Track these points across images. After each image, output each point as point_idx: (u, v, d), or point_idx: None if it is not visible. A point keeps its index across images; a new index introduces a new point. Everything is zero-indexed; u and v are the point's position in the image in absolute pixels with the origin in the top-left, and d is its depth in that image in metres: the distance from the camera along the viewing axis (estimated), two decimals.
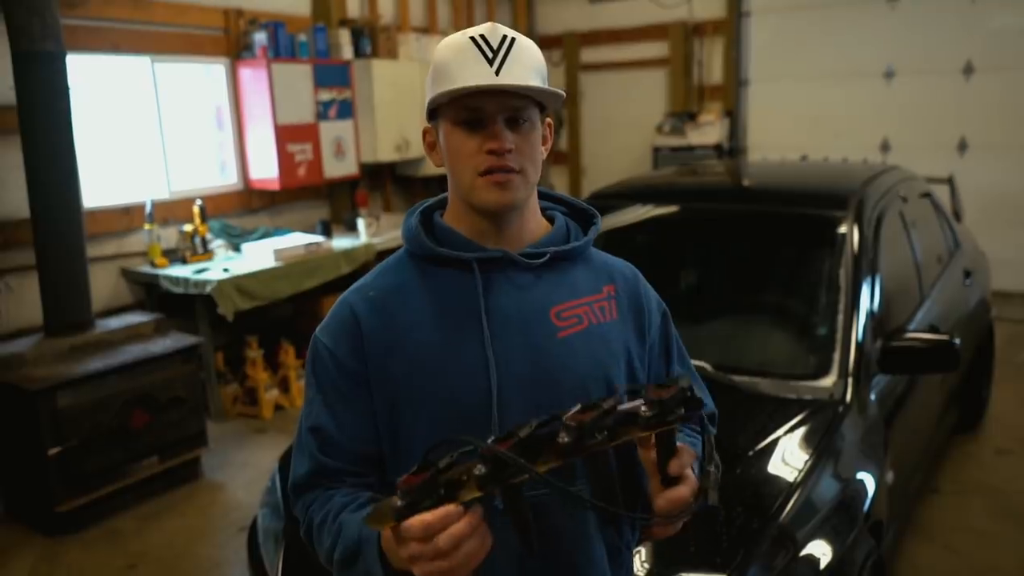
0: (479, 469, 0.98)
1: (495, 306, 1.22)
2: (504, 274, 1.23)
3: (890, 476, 2.52)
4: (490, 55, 1.15)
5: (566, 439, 1.00)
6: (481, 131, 1.17)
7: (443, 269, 1.25)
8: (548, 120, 1.27)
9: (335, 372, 1.23)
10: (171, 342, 4.21)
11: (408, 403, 1.20)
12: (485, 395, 1.18)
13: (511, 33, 1.18)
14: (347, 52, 6.05)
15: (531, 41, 1.22)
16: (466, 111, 1.17)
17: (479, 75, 1.14)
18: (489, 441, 0.99)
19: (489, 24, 1.19)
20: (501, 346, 1.20)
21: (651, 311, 1.35)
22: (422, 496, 0.98)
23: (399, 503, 0.99)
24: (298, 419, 1.29)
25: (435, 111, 1.22)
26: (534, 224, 1.28)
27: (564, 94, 1.22)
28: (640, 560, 1.85)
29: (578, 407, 1.03)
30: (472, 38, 1.17)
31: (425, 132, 1.28)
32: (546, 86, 1.20)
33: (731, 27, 7.31)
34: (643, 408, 1.03)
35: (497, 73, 1.15)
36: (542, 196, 1.37)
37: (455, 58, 1.17)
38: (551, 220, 1.33)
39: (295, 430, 1.30)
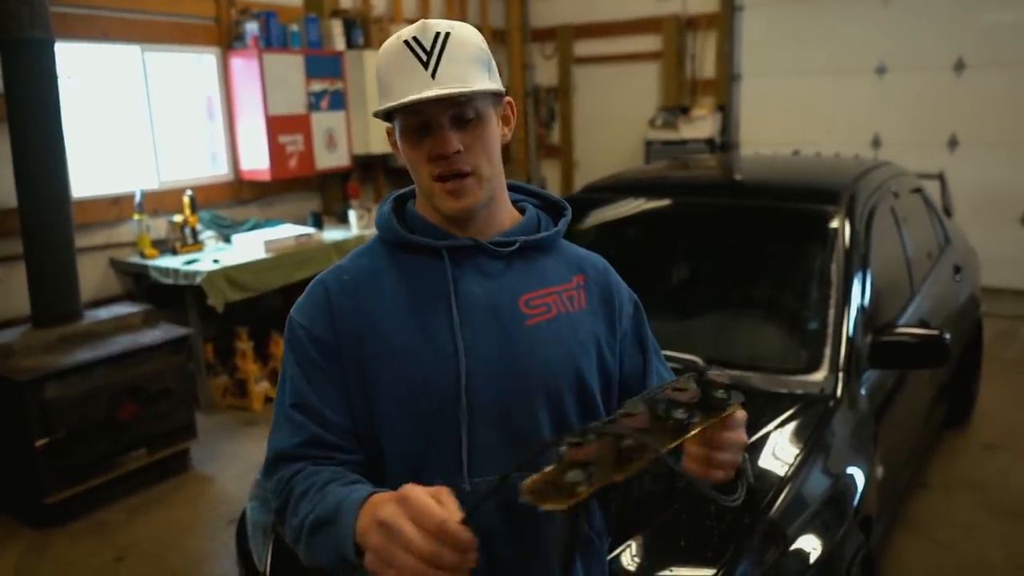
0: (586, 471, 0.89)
1: (465, 293, 1.23)
2: (474, 262, 1.25)
3: (880, 471, 2.53)
4: (424, 57, 1.15)
5: (681, 416, 0.98)
6: (429, 137, 1.18)
7: (414, 256, 1.26)
8: (508, 99, 1.27)
9: (312, 349, 1.23)
10: (160, 333, 4.19)
11: (377, 386, 1.21)
12: (454, 380, 1.19)
13: (444, 27, 1.17)
14: (339, 43, 6.02)
15: (470, 28, 1.21)
16: (411, 118, 1.18)
17: (415, 83, 1.14)
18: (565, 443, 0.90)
19: (420, 22, 1.17)
20: (470, 332, 1.21)
21: (622, 302, 1.36)
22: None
23: (575, 479, 0.87)
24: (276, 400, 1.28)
25: (389, 115, 1.22)
26: (504, 214, 1.30)
27: (503, 89, 1.23)
28: (631, 554, 1.85)
29: (632, 401, 0.98)
30: (405, 42, 1.16)
31: (388, 132, 1.28)
32: (488, 74, 1.20)
33: (724, 21, 7.31)
34: (718, 392, 1.03)
35: (434, 75, 1.14)
36: (515, 189, 1.37)
37: (391, 66, 1.17)
38: (522, 211, 1.34)
39: None
